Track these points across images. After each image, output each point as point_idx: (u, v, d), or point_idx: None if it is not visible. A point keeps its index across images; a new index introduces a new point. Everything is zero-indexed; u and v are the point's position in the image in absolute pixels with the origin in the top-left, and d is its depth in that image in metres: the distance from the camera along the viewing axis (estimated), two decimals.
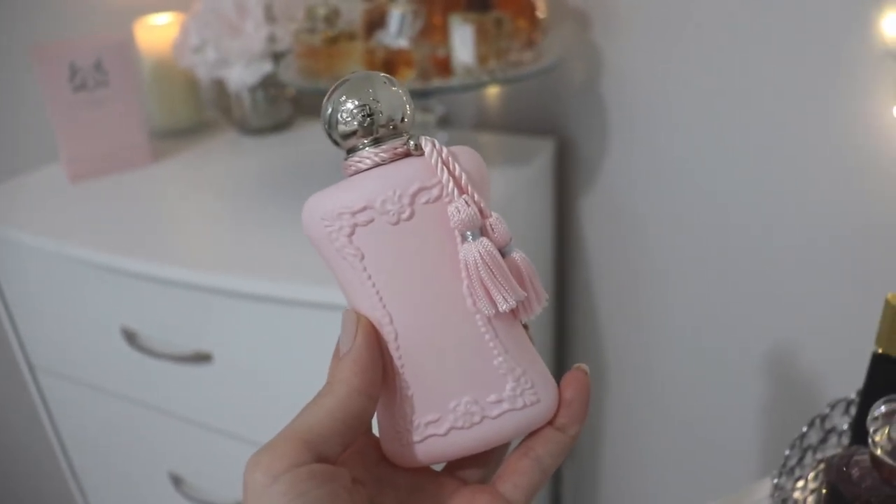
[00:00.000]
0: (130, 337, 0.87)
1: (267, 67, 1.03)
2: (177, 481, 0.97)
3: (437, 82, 0.80)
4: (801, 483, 0.47)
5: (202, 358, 0.83)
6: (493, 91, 1.06)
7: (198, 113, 1.17)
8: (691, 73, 0.90)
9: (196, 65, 1.04)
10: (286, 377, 0.79)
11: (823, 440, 0.48)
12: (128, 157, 1.02)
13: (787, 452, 0.45)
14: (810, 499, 0.45)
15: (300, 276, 0.74)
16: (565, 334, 1.16)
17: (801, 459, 0.46)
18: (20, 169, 1.06)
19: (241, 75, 1.03)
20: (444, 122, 0.94)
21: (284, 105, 1.13)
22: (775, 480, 0.44)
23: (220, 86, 1.17)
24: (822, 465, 0.47)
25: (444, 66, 0.82)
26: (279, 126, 1.13)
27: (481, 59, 0.80)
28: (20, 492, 1.46)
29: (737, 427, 1.03)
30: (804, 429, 0.45)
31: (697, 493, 1.11)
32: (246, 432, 0.86)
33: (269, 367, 0.81)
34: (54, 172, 1.04)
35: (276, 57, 1.03)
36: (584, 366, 0.34)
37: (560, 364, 1.18)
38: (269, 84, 1.08)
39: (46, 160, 1.07)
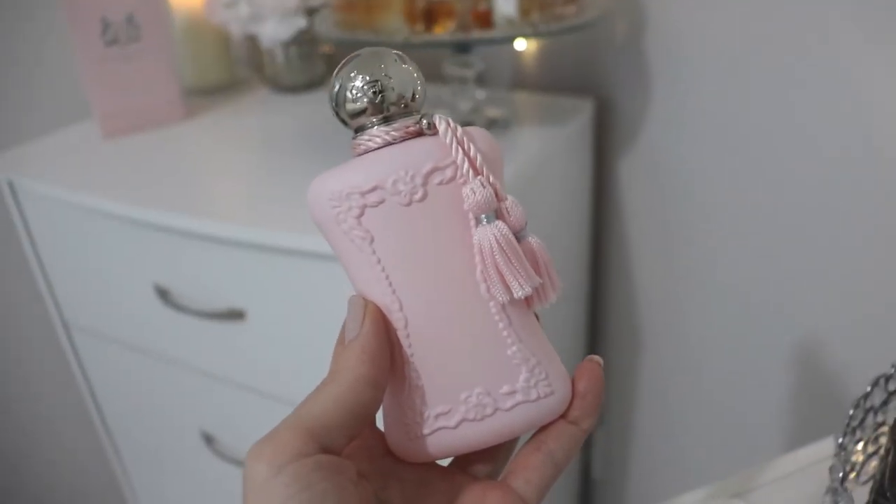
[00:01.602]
0: (163, 294, 0.87)
1: (301, 23, 1.01)
2: (208, 439, 0.97)
3: (477, 34, 0.78)
4: (860, 445, 0.45)
5: (236, 315, 0.82)
6: (531, 49, 1.03)
7: (229, 71, 1.15)
8: (737, 29, 0.86)
9: (228, 20, 1.02)
10: (321, 335, 0.78)
11: (885, 402, 0.46)
12: (161, 113, 1.01)
13: (850, 412, 0.43)
14: (873, 461, 0.44)
15: None
16: (601, 298, 1.14)
17: (862, 420, 0.44)
18: (53, 125, 1.05)
19: (275, 30, 1.01)
20: (481, 80, 0.92)
21: (318, 62, 1.11)
22: (840, 440, 0.42)
23: (252, 43, 1.15)
24: (883, 428, 0.45)
25: (486, 20, 0.80)
26: (312, 84, 1.11)
27: (524, 11, 0.78)
28: (53, 449, 1.48)
29: (770, 394, 1.01)
30: (868, 388, 0.43)
31: (728, 458, 1.09)
32: (279, 391, 0.86)
33: (303, 324, 0.80)
34: (87, 129, 1.03)
35: (310, 12, 1.01)
36: (597, 357, 0.33)
37: (594, 331, 1.17)
38: (302, 41, 1.06)
39: (79, 117, 1.06)
